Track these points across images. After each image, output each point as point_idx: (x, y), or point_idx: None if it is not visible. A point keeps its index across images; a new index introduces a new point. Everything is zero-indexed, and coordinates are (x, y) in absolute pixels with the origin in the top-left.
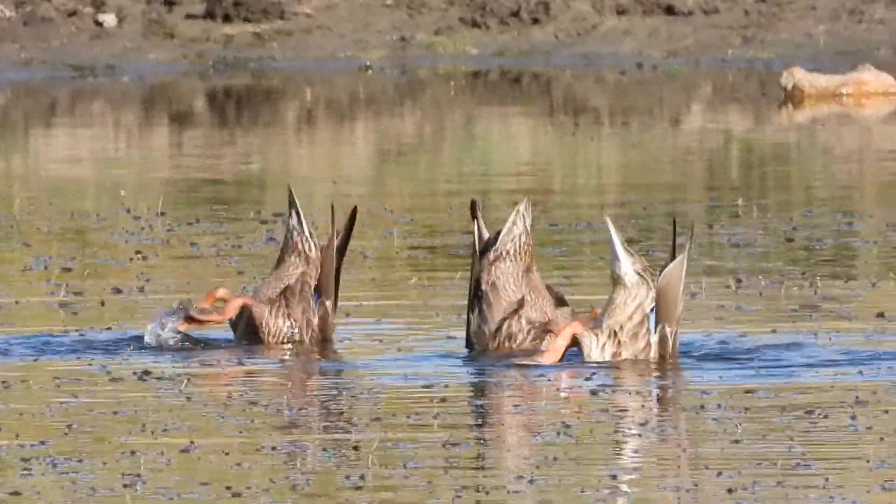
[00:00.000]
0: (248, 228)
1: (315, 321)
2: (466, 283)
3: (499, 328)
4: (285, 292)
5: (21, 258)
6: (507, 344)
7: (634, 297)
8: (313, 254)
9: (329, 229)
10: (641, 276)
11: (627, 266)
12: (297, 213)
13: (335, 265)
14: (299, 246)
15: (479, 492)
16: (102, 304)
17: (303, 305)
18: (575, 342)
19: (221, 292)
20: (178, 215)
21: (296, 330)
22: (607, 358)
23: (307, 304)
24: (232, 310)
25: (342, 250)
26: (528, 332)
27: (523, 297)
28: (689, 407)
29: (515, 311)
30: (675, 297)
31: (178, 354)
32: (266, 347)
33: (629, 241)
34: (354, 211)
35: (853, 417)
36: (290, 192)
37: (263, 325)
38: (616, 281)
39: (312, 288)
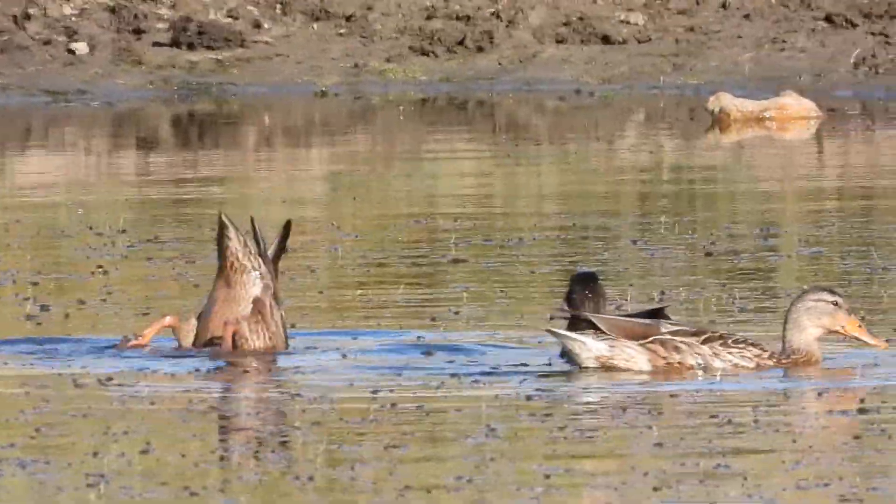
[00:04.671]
0: (204, 245)
1: (281, 331)
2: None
3: None
4: (257, 307)
5: None
6: None
7: None
8: (264, 269)
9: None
10: None
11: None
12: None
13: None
14: (249, 265)
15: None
16: (67, 315)
17: (275, 318)
18: None
19: (168, 320)
20: (138, 232)
21: (270, 342)
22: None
23: (277, 315)
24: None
25: (276, 259)
26: None
27: None
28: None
29: None
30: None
31: (138, 362)
32: (229, 356)
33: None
34: (288, 224)
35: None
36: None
37: (243, 339)
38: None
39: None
